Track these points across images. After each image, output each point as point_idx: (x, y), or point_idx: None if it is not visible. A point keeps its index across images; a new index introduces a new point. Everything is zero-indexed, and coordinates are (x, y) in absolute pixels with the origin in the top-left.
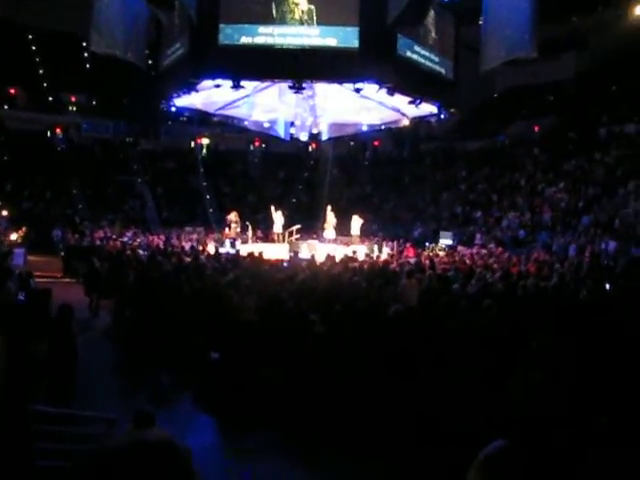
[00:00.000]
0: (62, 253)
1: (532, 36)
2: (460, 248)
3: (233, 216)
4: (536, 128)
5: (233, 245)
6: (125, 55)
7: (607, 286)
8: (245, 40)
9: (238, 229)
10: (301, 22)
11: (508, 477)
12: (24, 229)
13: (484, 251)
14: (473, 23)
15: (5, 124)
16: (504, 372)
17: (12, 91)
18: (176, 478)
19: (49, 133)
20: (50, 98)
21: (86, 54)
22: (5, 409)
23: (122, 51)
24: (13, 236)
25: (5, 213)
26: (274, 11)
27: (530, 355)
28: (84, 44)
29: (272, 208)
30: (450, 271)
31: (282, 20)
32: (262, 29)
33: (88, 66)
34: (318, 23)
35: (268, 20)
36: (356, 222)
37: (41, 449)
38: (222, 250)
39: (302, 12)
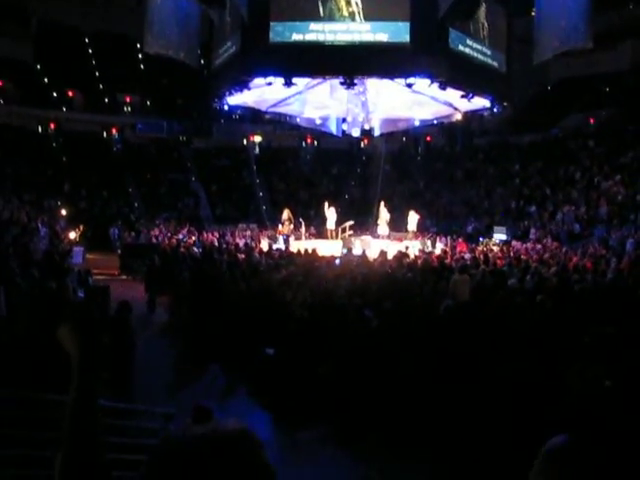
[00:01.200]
0: (119, 251)
1: (587, 26)
2: (514, 243)
3: (286, 213)
4: (591, 120)
5: (286, 242)
6: (178, 55)
7: None
8: (296, 37)
9: (291, 226)
10: (352, 18)
11: (576, 470)
12: (82, 228)
13: (539, 246)
14: (525, 15)
15: (63, 126)
16: (560, 368)
17: (70, 93)
18: (253, 468)
19: (105, 134)
20: (106, 99)
21: (140, 55)
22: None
23: (175, 51)
24: (72, 235)
25: (64, 213)
26: (322, 8)
27: (587, 349)
28: (138, 45)
29: (325, 204)
30: (504, 266)
31: (331, 17)
32: (313, 26)
33: (142, 67)
34: (368, 19)
35: (318, 17)
36: (412, 218)
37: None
38: (275, 247)
39: (352, 8)
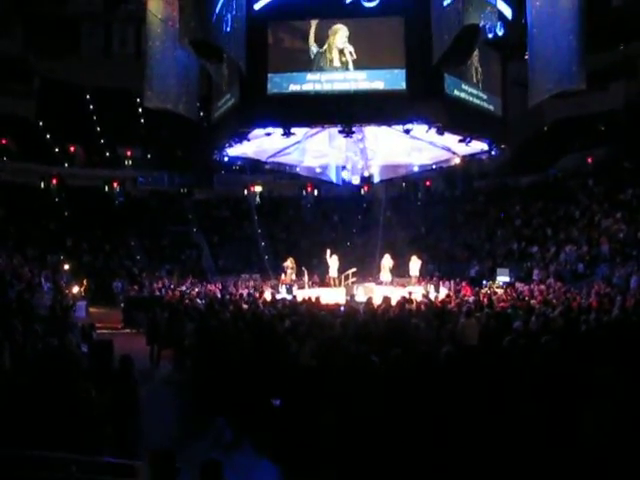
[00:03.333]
0: (122, 304)
1: (580, 67)
2: (518, 285)
3: (289, 262)
4: (589, 159)
5: (290, 291)
6: (177, 108)
7: None
8: (293, 88)
9: (294, 275)
10: (346, 67)
11: None
12: (85, 282)
13: (542, 286)
14: (519, 58)
15: (65, 181)
16: (569, 409)
17: (71, 149)
18: None
19: (106, 187)
20: (107, 153)
21: (140, 109)
22: None
23: (174, 105)
24: (75, 289)
25: (67, 267)
26: (317, 59)
27: (598, 391)
28: (138, 100)
29: (327, 252)
30: (508, 308)
31: (328, 67)
32: (309, 76)
33: (142, 120)
34: (364, 67)
35: (314, 67)
36: (415, 263)
37: None
38: (279, 296)
39: (345, 58)
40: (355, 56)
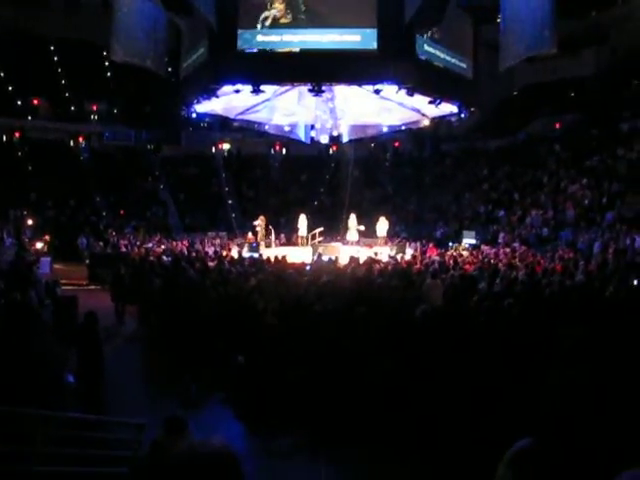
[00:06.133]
0: (87, 261)
1: (552, 32)
2: (484, 247)
3: (260, 220)
4: (557, 125)
5: (255, 249)
6: (144, 63)
7: (634, 282)
8: (263, 45)
9: (264, 234)
10: (319, 25)
11: (536, 474)
12: (49, 237)
13: (508, 249)
14: (491, 21)
15: (28, 134)
16: (528, 370)
17: (35, 102)
18: None
19: (72, 142)
20: (72, 108)
21: (107, 63)
22: None
23: (141, 59)
24: (39, 245)
25: (30, 222)
26: (290, 15)
27: (563, 353)
28: (104, 53)
29: (301, 217)
30: (474, 270)
31: (299, 23)
32: (280, 33)
33: (109, 75)
34: (336, 26)
35: (285, 24)
36: (382, 224)
37: (73, 455)
38: (245, 254)
39: (319, 14)
40: (329, 13)
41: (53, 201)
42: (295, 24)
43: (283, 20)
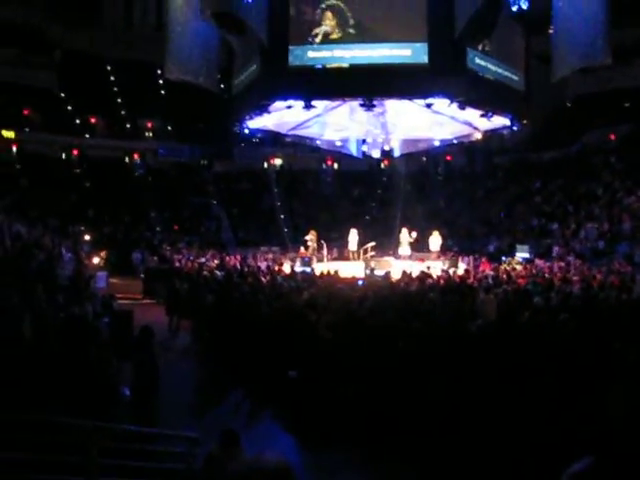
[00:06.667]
0: (142, 275)
1: (605, 42)
2: (538, 261)
3: (311, 235)
4: (612, 136)
5: (307, 264)
6: (198, 80)
7: None
8: (315, 60)
9: (315, 246)
10: (370, 41)
11: None
12: (105, 253)
13: (562, 264)
14: (543, 32)
15: (86, 152)
16: (586, 387)
17: (92, 120)
18: None
19: (127, 159)
20: (128, 125)
21: (161, 81)
22: None
23: (195, 77)
24: (95, 260)
25: (88, 238)
26: (340, 30)
27: (625, 369)
28: (159, 71)
29: (351, 232)
30: (528, 284)
31: (349, 39)
32: (331, 48)
33: (163, 92)
34: (386, 40)
35: (335, 39)
36: (436, 238)
37: (127, 467)
38: (297, 269)
39: (370, 30)
40: (381, 28)
41: (109, 217)
42: (345, 39)
43: (334, 36)
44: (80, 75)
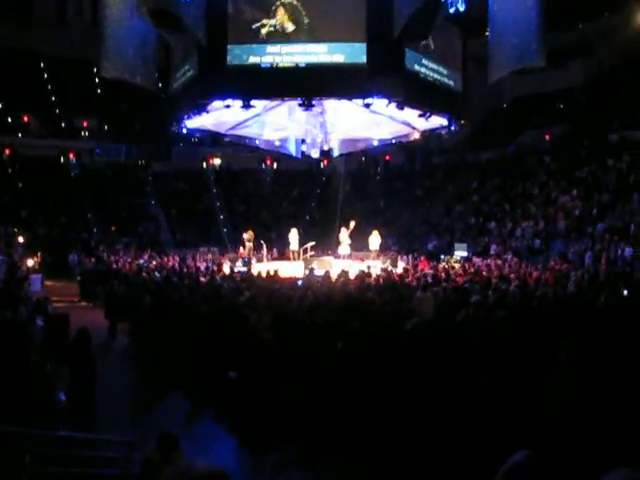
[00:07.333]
0: (79, 277)
1: (540, 45)
2: (475, 259)
3: (248, 234)
4: (547, 137)
5: (247, 264)
6: (134, 79)
7: (625, 292)
8: (253, 60)
9: (252, 248)
10: (308, 40)
11: None
12: (39, 255)
13: (499, 261)
14: (480, 35)
15: (19, 151)
16: (523, 383)
17: (25, 118)
18: None
19: (62, 159)
20: (62, 124)
21: (97, 79)
22: None
23: (131, 75)
24: (29, 262)
25: (21, 239)
26: (275, 30)
27: (558, 366)
28: (95, 70)
29: (291, 231)
30: (466, 283)
31: (286, 38)
32: (270, 48)
33: (99, 91)
34: (324, 40)
35: (275, 39)
36: (375, 237)
37: (63, 474)
38: (237, 269)
39: (305, 29)
40: (316, 28)
41: (44, 218)
42: (285, 38)
43: (274, 34)
44: (13, 72)
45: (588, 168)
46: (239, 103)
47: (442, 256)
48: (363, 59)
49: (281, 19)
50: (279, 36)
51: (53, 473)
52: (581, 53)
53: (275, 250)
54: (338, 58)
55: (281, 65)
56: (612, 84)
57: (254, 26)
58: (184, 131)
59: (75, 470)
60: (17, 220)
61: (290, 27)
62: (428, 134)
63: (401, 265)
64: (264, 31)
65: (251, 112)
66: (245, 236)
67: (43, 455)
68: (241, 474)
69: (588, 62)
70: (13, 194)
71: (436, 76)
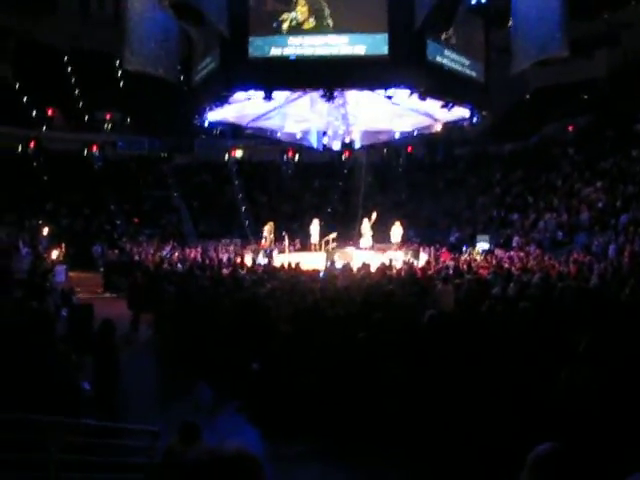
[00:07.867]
0: (102, 269)
1: (563, 35)
2: (498, 251)
3: (268, 227)
4: (570, 128)
5: (269, 256)
6: (157, 72)
7: None
8: (275, 51)
9: (272, 240)
10: (327, 31)
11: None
12: (64, 246)
13: (522, 254)
14: (502, 25)
15: (43, 145)
16: (544, 375)
17: (49, 112)
18: None
19: (86, 152)
20: (86, 117)
21: (120, 72)
22: None
23: (153, 68)
24: (54, 254)
25: (46, 231)
26: (301, 21)
27: (577, 357)
28: (117, 62)
29: (313, 222)
30: (489, 275)
31: (309, 30)
32: (291, 39)
33: (122, 84)
34: (346, 31)
35: (297, 31)
36: (397, 229)
37: (87, 462)
38: (259, 261)
39: (327, 21)
40: (338, 19)
41: (68, 210)
42: (307, 30)
43: (296, 26)
44: (36, 66)
45: (612, 159)
46: (261, 94)
47: (464, 248)
48: (385, 50)
49: (301, 10)
50: (298, 30)
51: (77, 461)
52: (606, 43)
53: (298, 241)
54: (359, 49)
55: (303, 56)
56: (637, 74)
57: (274, 24)
58: (206, 123)
59: (100, 458)
60: (42, 212)
61: (312, 22)
62: (450, 126)
63: (423, 257)
64: (285, 26)
65: (273, 104)
66: (265, 228)
67: (68, 443)
68: (263, 464)
69: (613, 52)
70: (38, 187)
71: (458, 67)
